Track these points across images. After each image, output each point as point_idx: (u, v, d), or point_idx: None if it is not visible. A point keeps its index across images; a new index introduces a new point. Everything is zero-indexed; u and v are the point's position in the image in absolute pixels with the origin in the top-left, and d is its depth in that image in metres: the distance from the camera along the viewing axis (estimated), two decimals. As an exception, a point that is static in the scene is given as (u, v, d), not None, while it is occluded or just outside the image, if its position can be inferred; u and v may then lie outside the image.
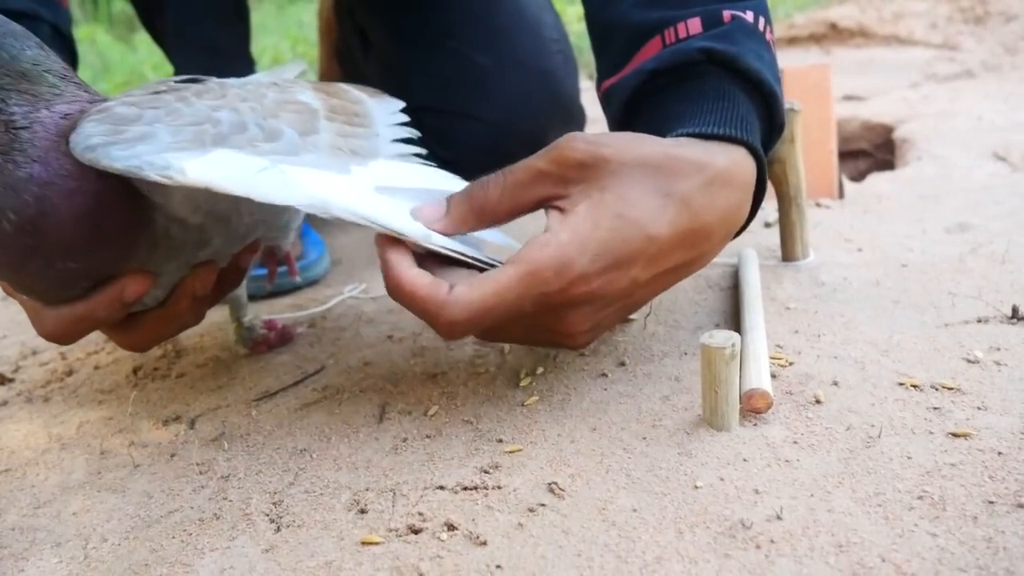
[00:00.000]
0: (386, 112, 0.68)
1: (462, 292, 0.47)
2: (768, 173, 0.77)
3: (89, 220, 0.49)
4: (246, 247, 0.62)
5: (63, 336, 0.55)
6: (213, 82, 0.57)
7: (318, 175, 0.52)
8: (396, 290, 0.49)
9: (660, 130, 0.55)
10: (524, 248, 0.49)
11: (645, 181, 0.49)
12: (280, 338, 0.74)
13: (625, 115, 0.62)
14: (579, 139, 0.50)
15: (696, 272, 0.56)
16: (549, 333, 0.52)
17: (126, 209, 0.51)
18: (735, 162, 0.53)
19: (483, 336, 0.55)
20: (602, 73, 0.66)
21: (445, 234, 0.52)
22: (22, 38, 0.51)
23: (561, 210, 0.50)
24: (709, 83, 0.57)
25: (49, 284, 0.52)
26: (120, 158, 0.47)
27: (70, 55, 0.88)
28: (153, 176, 0.46)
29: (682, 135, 0.54)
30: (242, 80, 0.59)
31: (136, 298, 0.54)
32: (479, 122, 1.03)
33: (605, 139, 0.51)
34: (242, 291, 0.72)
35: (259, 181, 0.48)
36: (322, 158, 0.56)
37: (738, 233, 0.59)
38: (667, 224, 0.49)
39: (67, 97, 0.51)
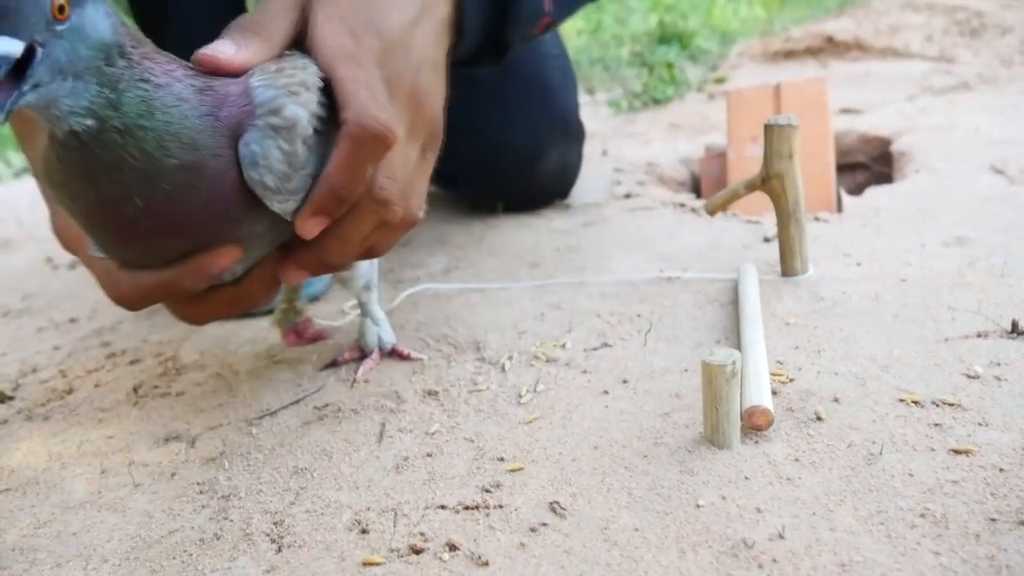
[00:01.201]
0: None
1: None
2: (767, 189, 0.78)
3: (219, 207, 0.48)
4: None
5: (136, 301, 0.54)
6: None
7: None
8: None
9: None
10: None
11: None
12: (312, 338, 0.73)
13: None
14: None
15: (431, 37, 0.59)
16: (410, 96, 0.55)
17: (251, 194, 0.50)
18: None
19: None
20: None
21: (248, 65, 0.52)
22: None
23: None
24: None
25: (145, 255, 0.50)
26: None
27: None
28: None
29: None
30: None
31: (223, 271, 0.52)
32: (478, 136, 1.03)
33: None
34: None
35: None
36: None
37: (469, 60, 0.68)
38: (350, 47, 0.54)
39: (191, 72, 0.48)
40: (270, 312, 0.87)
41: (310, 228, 0.51)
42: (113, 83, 0.43)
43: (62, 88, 0.41)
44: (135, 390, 0.72)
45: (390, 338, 0.72)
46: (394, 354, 0.72)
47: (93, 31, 0.42)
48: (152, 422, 0.66)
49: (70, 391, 0.74)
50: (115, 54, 0.43)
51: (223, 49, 0.50)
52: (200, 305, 0.57)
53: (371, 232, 0.55)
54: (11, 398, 0.74)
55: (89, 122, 0.43)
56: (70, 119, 0.42)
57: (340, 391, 0.67)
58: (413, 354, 0.72)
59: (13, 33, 0.38)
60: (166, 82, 0.45)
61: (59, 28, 0.40)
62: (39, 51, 0.39)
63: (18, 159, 2.04)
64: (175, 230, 0.48)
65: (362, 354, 0.72)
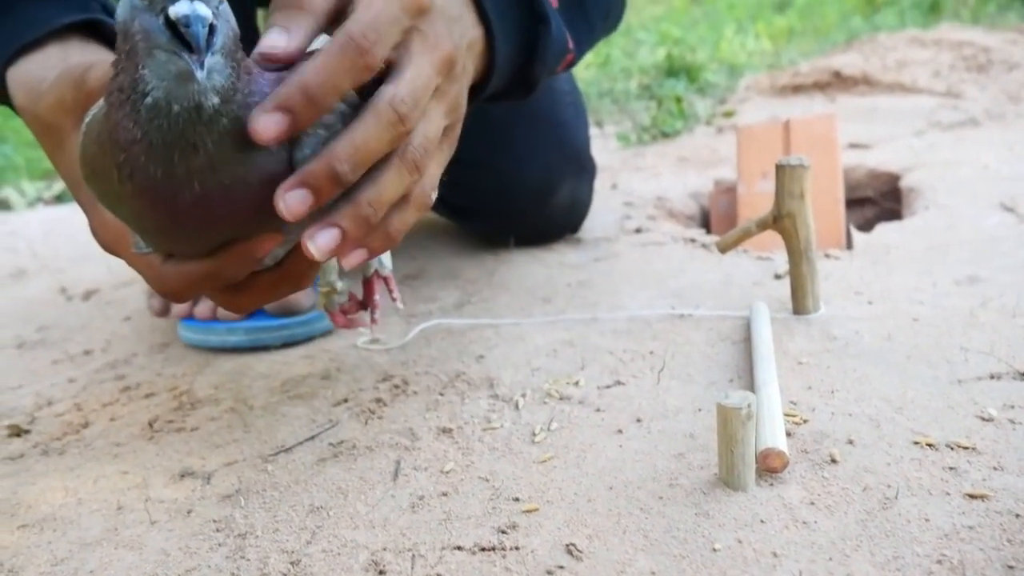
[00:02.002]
0: None
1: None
2: (779, 228, 0.78)
3: (268, 201, 0.48)
4: None
5: (183, 292, 0.54)
6: None
7: None
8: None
9: None
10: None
11: None
12: (362, 306, 0.74)
13: None
14: None
15: (464, 40, 0.60)
16: (445, 61, 0.54)
17: None
18: None
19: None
20: None
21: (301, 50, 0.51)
22: None
23: None
24: None
25: (191, 243, 0.51)
26: None
27: None
28: None
29: None
30: None
31: (265, 255, 0.52)
32: (490, 171, 1.04)
33: None
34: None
35: None
36: None
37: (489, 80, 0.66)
38: None
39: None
40: (285, 346, 0.88)
41: (266, 122, 0.45)
42: (236, 69, 0.45)
43: (217, 62, 0.43)
44: (150, 424, 0.73)
45: (389, 263, 0.74)
46: (385, 283, 0.73)
47: (231, 17, 0.45)
48: (167, 457, 0.67)
49: (86, 425, 0.74)
50: (238, 43, 0.45)
51: (276, 42, 0.50)
52: (244, 292, 0.57)
53: (386, 147, 0.52)
54: (27, 432, 0.74)
55: (215, 100, 0.44)
56: (207, 94, 0.43)
57: (355, 427, 0.68)
58: (396, 293, 0.73)
59: (205, 1, 0.41)
60: (258, 72, 0.47)
61: (220, 7, 0.43)
62: (216, 22, 0.42)
63: (32, 188, 2.06)
64: (224, 219, 0.48)
65: (365, 292, 0.74)
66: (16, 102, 0.65)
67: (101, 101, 0.47)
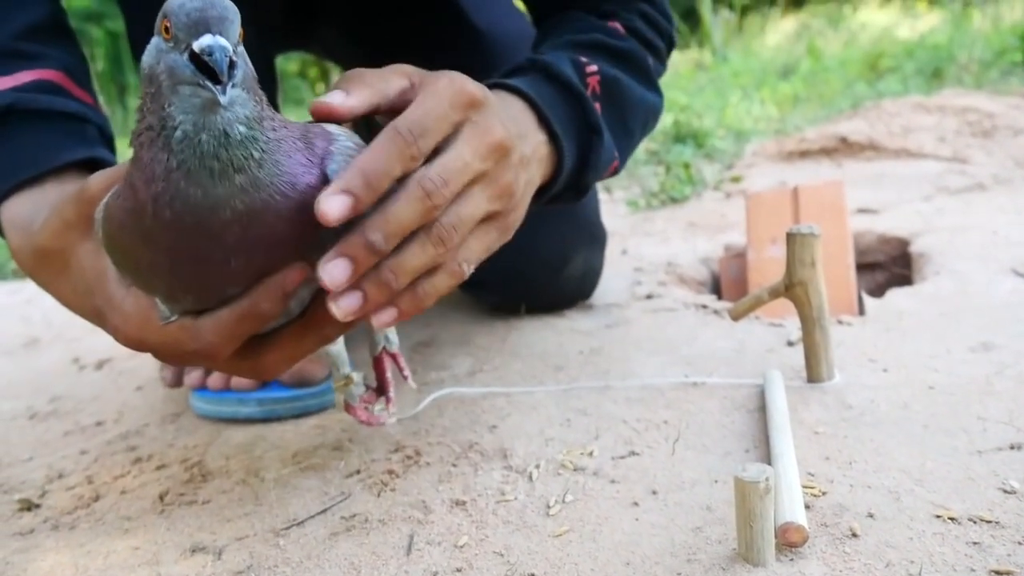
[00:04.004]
0: None
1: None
2: (791, 296, 0.78)
3: (302, 220, 0.49)
4: None
5: (224, 345, 0.54)
6: None
7: None
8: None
9: None
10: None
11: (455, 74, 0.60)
12: (378, 391, 0.73)
13: None
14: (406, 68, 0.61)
15: (528, 141, 0.66)
16: (494, 148, 0.57)
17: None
18: (502, 95, 0.68)
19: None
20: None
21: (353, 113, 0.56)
22: None
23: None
24: (520, 72, 0.74)
25: (224, 278, 0.51)
26: None
27: (113, 154, 0.88)
28: None
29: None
30: None
31: (295, 287, 0.52)
32: (506, 246, 1.05)
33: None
34: (340, 347, 0.71)
35: None
36: None
37: (552, 187, 0.72)
38: (472, 84, 0.58)
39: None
40: (298, 416, 0.87)
41: (333, 204, 0.48)
42: (260, 103, 0.48)
43: (240, 95, 0.46)
44: (161, 498, 0.72)
45: (396, 339, 0.74)
46: (394, 360, 0.73)
47: (248, 60, 0.48)
48: (178, 532, 0.66)
49: (96, 498, 0.74)
50: (257, 83, 0.49)
51: (333, 99, 0.55)
52: (267, 354, 0.57)
53: (416, 223, 0.54)
54: (38, 506, 0.74)
55: (242, 129, 0.46)
56: (232, 124, 0.46)
57: (367, 500, 0.67)
58: (406, 371, 0.73)
59: (227, 38, 0.44)
60: (271, 111, 0.50)
61: (239, 48, 0.46)
62: (235, 58, 0.45)
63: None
64: (261, 239, 0.49)
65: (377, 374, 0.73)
66: (11, 242, 0.65)
67: (114, 189, 0.49)
